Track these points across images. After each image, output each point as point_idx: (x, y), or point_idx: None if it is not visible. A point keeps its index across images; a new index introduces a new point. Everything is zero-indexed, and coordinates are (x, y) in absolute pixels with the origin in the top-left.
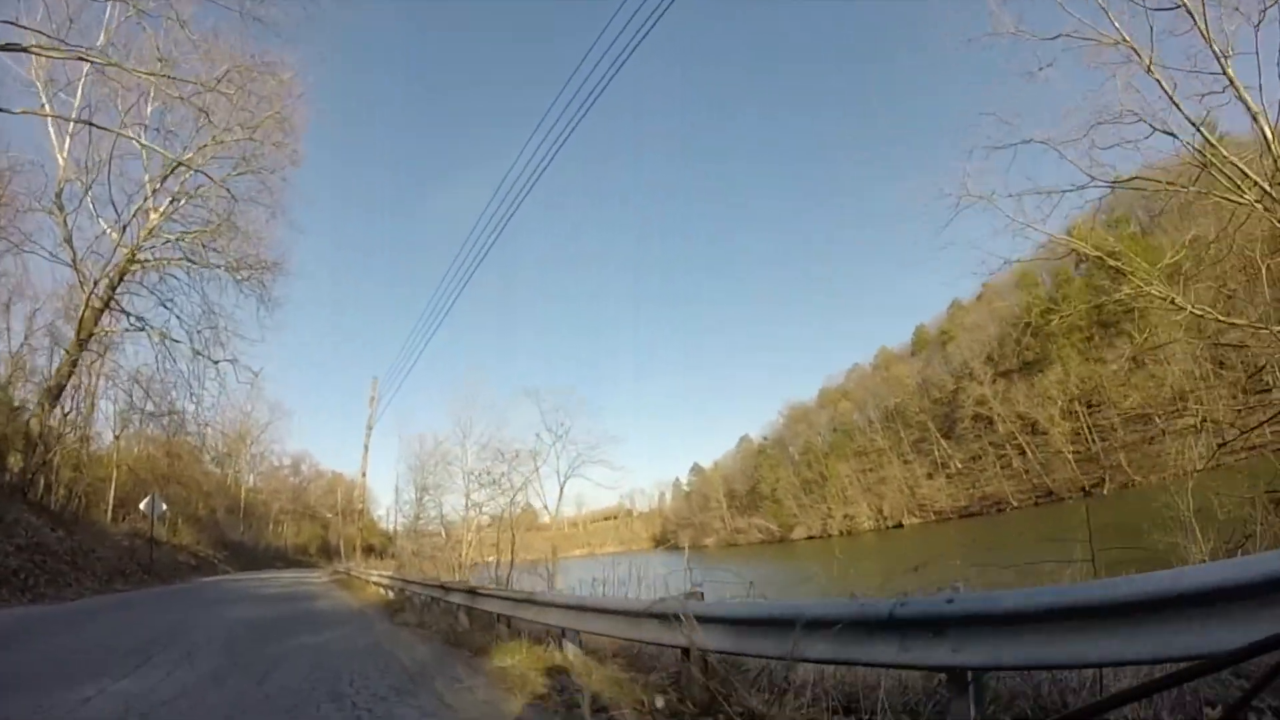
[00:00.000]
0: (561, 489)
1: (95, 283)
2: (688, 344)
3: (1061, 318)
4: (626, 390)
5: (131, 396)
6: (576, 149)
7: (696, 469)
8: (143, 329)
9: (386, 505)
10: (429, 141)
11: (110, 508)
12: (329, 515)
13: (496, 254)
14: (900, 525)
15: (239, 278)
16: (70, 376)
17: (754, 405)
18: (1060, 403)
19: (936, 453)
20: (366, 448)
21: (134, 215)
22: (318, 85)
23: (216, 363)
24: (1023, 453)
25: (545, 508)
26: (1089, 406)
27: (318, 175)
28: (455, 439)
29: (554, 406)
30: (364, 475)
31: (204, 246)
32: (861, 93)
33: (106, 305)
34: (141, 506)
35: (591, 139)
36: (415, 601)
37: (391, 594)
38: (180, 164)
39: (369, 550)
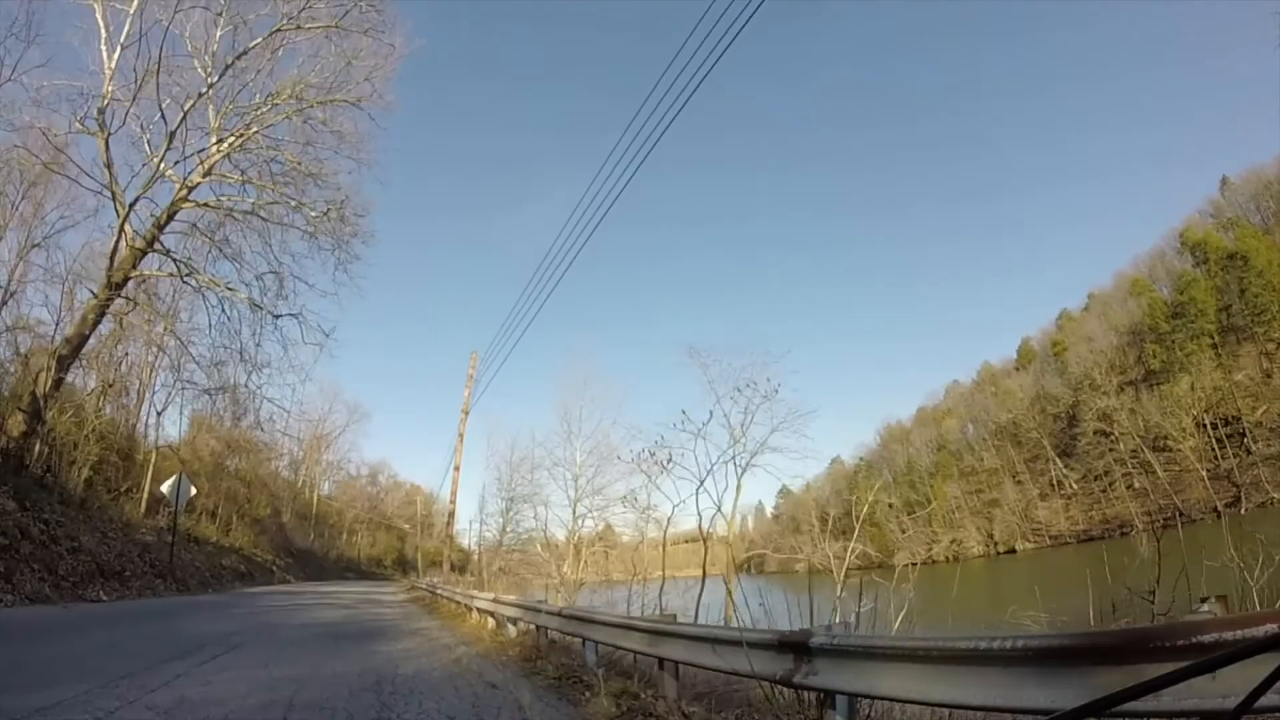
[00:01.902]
0: (740, 481)
1: (131, 207)
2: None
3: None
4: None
5: (179, 367)
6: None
7: (784, 491)
8: (190, 275)
9: (468, 518)
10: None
11: (145, 497)
12: (406, 526)
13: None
14: (1013, 551)
15: (311, 230)
16: (95, 326)
17: (845, 427)
18: (1194, 413)
19: (1053, 472)
20: (461, 435)
21: (192, 152)
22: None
23: (278, 317)
24: (1144, 471)
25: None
26: (1224, 421)
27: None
28: (559, 436)
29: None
30: (457, 469)
31: (273, 186)
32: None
33: (150, 245)
34: (164, 489)
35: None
36: (571, 646)
37: (513, 629)
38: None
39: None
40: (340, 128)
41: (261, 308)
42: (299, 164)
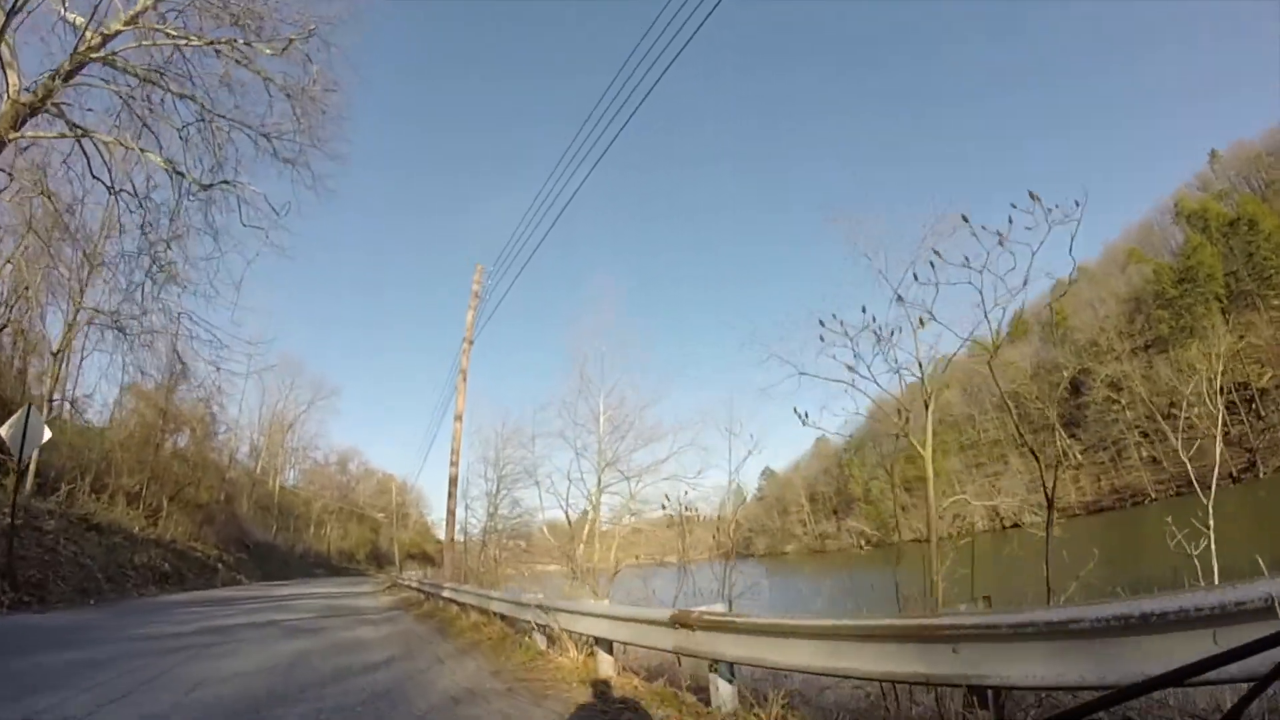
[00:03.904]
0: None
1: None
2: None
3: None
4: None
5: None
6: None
7: (768, 473)
8: (85, 136)
9: (445, 506)
10: None
11: (32, 477)
12: (380, 516)
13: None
14: (1019, 525)
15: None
16: None
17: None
18: (1210, 376)
19: (1059, 443)
20: (464, 372)
21: None
22: None
23: (207, 188)
24: (1149, 438)
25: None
26: (1236, 387)
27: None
28: (573, 393)
29: None
30: (459, 418)
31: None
32: None
33: (43, 102)
34: (1, 432)
35: None
36: None
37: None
38: None
39: (423, 558)
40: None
41: (184, 175)
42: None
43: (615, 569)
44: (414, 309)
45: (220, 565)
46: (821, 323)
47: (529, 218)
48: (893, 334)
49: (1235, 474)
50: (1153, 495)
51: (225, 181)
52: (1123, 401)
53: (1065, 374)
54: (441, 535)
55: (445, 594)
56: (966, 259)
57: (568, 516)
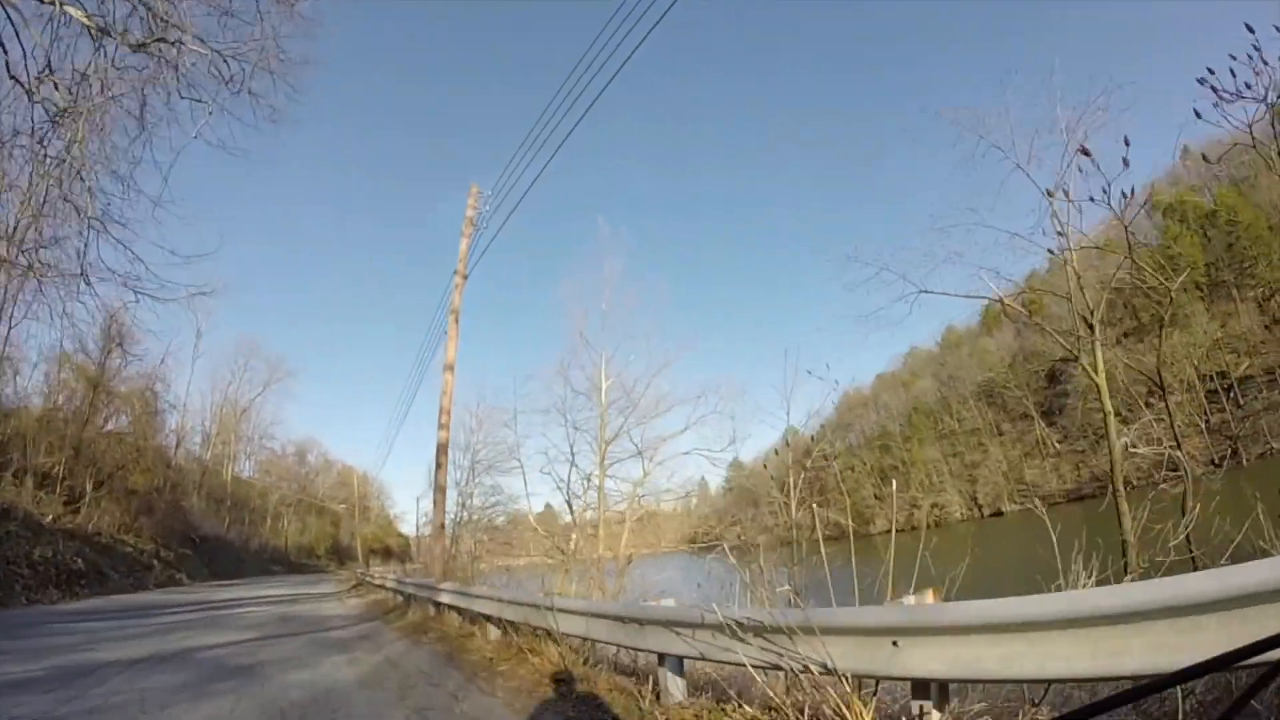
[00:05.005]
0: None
1: None
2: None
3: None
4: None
5: None
6: None
7: (735, 464)
8: None
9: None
10: None
11: None
12: (342, 508)
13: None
14: (999, 513)
15: None
16: None
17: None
18: (1194, 363)
19: (1038, 431)
20: (456, 311)
21: None
22: None
23: (140, 48)
24: (1128, 424)
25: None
26: (1216, 375)
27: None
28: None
29: None
30: (449, 369)
31: None
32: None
33: None
34: None
35: None
36: None
37: None
38: None
39: (386, 553)
40: None
41: (110, 34)
42: None
43: (627, 559)
44: (376, 295)
45: (156, 562)
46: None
47: (529, 142)
48: None
49: (1216, 461)
50: (1133, 482)
51: (163, 40)
52: (1100, 387)
53: (1039, 364)
54: (405, 529)
55: (443, 599)
56: None
57: (570, 503)
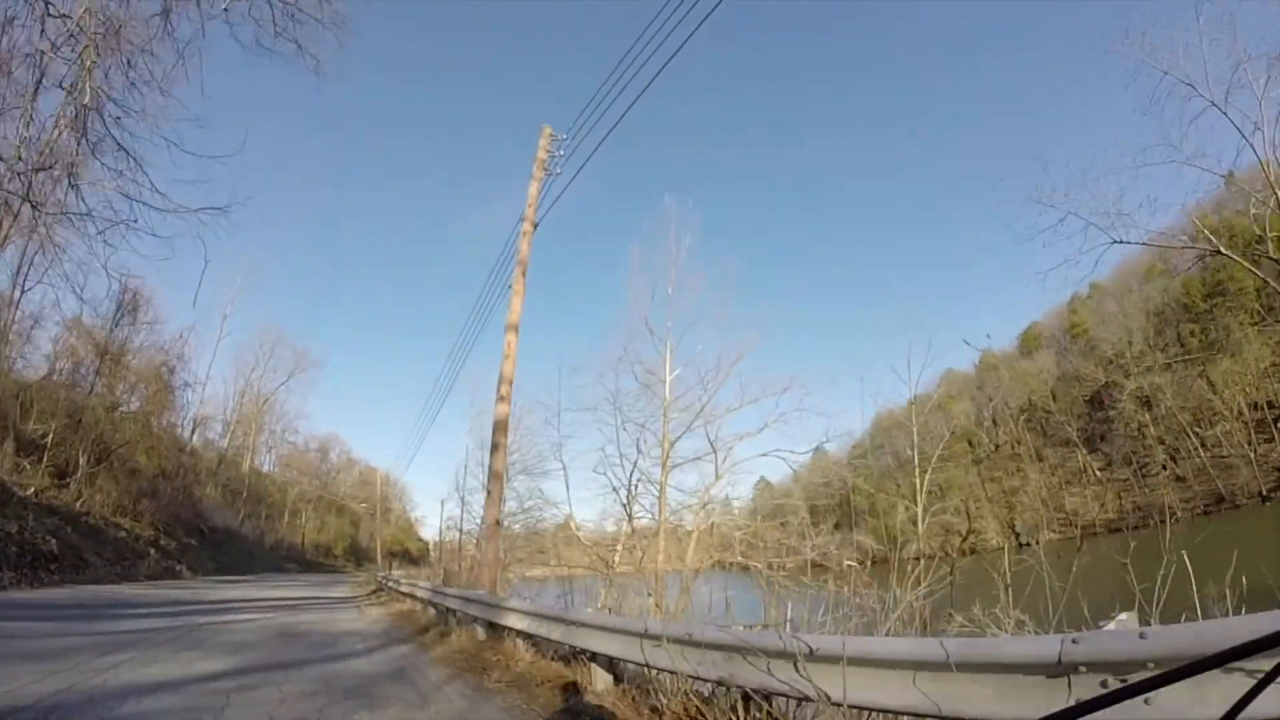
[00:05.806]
0: None
1: None
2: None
3: None
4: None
5: None
6: None
7: (763, 483)
8: None
9: (438, 499)
10: None
11: None
12: (363, 506)
13: None
14: (1034, 543)
15: None
16: None
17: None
18: (1244, 393)
19: (1080, 458)
20: (523, 264)
21: None
22: None
23: None
24: (1174, 457)
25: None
26: (1268, 404)
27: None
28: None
29: None
30: (512, 329)
31: None
32: None
33: None
34: None
35: None
36: None
37: None
38: None
39: (405, 556)
40: None
41: None
42: None
43: (694, 573)
44: (406, 293)
45: (153, 551)
46: None
47: (598, 100)
48: None
49: (1265, 493)
50: (1178, 514)
51: None
52: (1148, 417)
53: (1083, 389)
54: (425, 534)
55: (510, 622)
56: None
57: (627, 510)
